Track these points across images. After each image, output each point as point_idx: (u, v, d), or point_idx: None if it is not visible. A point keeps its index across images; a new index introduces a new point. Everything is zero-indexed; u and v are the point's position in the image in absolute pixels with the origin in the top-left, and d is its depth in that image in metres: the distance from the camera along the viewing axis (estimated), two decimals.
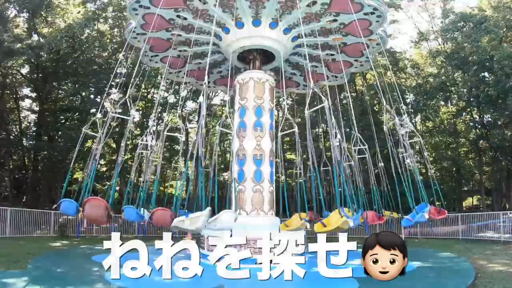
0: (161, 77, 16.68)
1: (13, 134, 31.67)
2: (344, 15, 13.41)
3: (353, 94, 16.70)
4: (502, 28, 27.65)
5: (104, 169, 31.46)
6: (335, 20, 14.09)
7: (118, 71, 16.14)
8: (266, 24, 14.09)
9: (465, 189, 39.12)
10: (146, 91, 31.99)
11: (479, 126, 30.66)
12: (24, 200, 30.15)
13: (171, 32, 14.98)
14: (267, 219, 13.79)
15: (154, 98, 15.15)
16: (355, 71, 16.37)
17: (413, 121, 15.28)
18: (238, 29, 14.37)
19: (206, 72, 11.07)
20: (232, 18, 14.06)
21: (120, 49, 20.31)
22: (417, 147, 14.52)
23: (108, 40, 29.14)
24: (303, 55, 16.34)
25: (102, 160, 26.49)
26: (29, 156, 32.10)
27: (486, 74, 27.04)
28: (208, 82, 19.80)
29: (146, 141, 15.99)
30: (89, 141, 14.43)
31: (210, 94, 30.05)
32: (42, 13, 27.72)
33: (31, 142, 31.32)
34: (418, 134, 15.66)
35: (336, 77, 17.76)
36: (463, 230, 20.78)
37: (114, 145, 31.82)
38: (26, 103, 33.04)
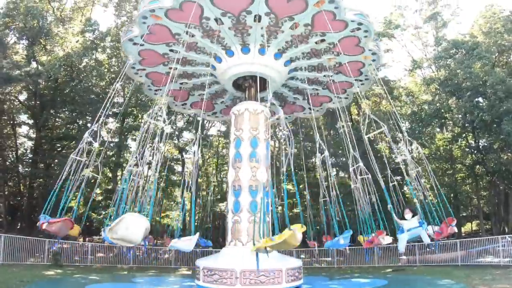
0: (158, 107, 16.83)
1: (9, 160, 31.59)
2: (331, 34, 13.24)
3: (349, 123, 16.76)
4: (494, 53, 28.10)
5: (100, 198, 31.17)
6: (323, 40, 14.06)
7: (115, 100, 16.32)
8: (255, 50, 14.18)
9: (464, 214, 38.87)
10: (143, 120, 32.09)
11: (475, 151, 30.59)
12: (18, 227, 29.81)
13: (168, 65, 15.20)
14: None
15: (151, 128, 15.17)
16: (357, 91, 16.40)
17: (409, 149, 15.24)
18: (229, 58, 14.51)
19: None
20: (221, 47, 14.24)
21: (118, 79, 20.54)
22: (415, 175, 14.52)
23: (106, 70, 29.40)
24: (300, 78, 16.44)
25: (98, 189, 26.29)
26: (24, 183, 31.89)
27: (480, 99, 27.11)
28: (215, 113, 20.12)
29: (142, 170, 15.92)
30: (85, 169, 14.41)
31: (206, 124, 30.13)
32: (41, 41, 28.17)
33: (27, 169, 31.17)
34: (414, 161, 15.67)
35: (339, 97, 17.28)
36: (462, 256, 20.53)
37: (110, 174, 31.64)
38: (23, 129, 33.27)
